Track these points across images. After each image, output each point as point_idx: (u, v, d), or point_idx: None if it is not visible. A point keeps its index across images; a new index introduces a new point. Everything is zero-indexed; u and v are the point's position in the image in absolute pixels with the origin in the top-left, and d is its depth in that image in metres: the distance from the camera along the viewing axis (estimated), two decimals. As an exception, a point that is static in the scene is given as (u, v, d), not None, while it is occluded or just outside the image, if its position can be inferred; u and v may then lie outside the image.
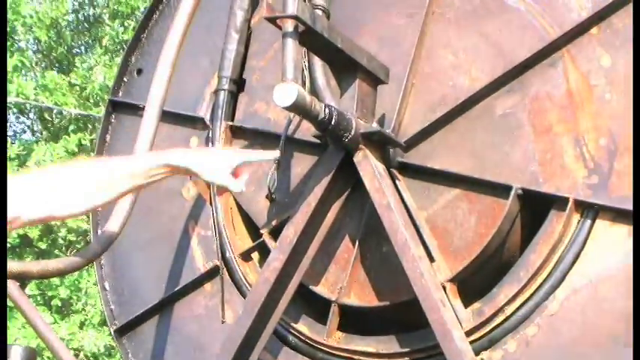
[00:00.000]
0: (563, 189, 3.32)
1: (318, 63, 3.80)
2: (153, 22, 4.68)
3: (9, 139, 16.23)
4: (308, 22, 3.30)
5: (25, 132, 18.22)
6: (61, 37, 17.32)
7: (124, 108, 4.67)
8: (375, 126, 3.58)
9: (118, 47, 16.74)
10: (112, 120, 4.73)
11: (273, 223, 3.95)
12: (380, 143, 3.60)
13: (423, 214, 3.61)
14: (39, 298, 14.48)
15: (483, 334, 3.40)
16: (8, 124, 17.22)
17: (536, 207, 3.44)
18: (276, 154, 3.56)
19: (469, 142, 3.54)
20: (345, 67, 3.57)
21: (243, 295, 3.99)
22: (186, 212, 4.26)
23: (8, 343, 2.93)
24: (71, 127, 16.38)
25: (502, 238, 3.48)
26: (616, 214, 3.25)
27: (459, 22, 3.66)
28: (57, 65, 17.47)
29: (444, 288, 3.46)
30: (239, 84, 4.23)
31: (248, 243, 4.09)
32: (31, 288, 14.08)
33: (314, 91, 3.74)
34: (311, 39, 3.39)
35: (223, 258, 4.08)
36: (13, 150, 15.10)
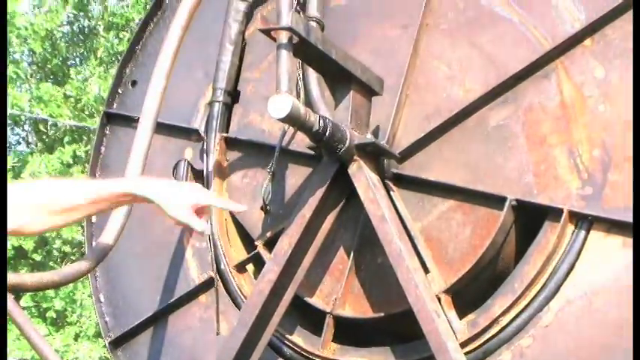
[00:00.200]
0: (557, 200, 3.33)
1: (312, 74, 3.81)
2: (147, 34, 4.69)
3: (4, 151, 16.17)
4: (302, 34, 3.31)
5: (19, 143, 18.22)
6: (56, 49, 17.32)
7: (118, 120, 4.68)
8: (369, 137, 3.59)
9: (113, 59, 16.74)
10: (107, 132, 4.73)
11: (268, 234, 3.95)
12: (374, 154, 3.60)
13: (417, 225, 3.61)
14: (34, 310, 14.44)
15: (478, 346, 3.40)
16: (3, 136, 17.15)
17: (530, 218, 3.44)
18: (243, 207, 3.54)
19: (463, 154, 3.55)
20: (339, 78, 3.58)
21: (238, 306, 3.99)
22: (181, 224, 4.25)
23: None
24: (66, 139, 16.37)
25: (496, 250, 3.48)
26: (610, 225, 3.25)
27: (452, 33, 3.67)
28: (52, 77, 17.46)
29: (439, 299, 3.46)
30: (233, 95, 4.24)
31: (243, 254, 4.09)
32: (26, 300, 14.05)
33: (308, 103, 3.74)
34: (305, 50, 3.40)
35: (218, 270, 4.08)
36: (7, 161, 15.08)
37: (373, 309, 3.68)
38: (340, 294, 3.74)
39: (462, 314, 3.46)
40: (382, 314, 3.66)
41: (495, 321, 3.37)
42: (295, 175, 3.92)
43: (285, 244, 3.60)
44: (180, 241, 4.27)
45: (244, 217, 4.06)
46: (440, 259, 3.55)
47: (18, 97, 15.35)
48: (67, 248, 15.52)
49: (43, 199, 2.99)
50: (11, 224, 2.87)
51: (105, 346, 4.51)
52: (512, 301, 3.34)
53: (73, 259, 15.14)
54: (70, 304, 14.43)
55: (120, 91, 4.71)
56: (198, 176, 4.26)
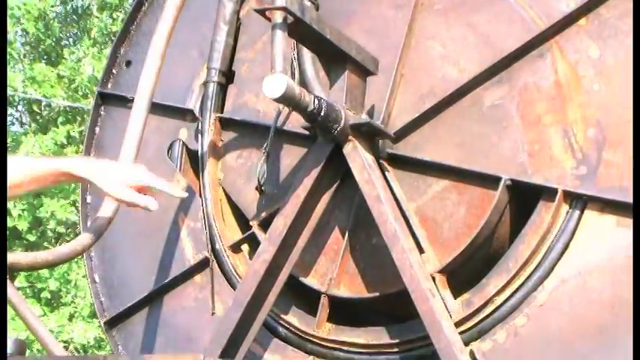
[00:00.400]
0: (552, 180, 3.33)
1: (307, 54, 3.80)
2: (141, 13, 4.67)
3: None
4: (297, 14, 3.30)
5: (13, 124, 18.18)
6: (49, 29, 17.24)
7: (112, 100, 4.66)
8: (364, 117, 3.58)
9: (107, 39, 16.69)
10: (101, 112, 4.71)
11: (263, 214, 3.95)
12: (369, 134, 3.60)
13: (412, 205, 3.61)
14: (28, 290, 14.45)
15: (473, 325, 3.40)
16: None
17: (524, 198, 3.45)
18: (184, 194, 3.65)
19: (458, 134, 3.55)
20: (334, 58, 3.57)
21: (233, 286, 3.99)
22: (176, 204, 4.25)
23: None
24: (60, 119, 16.33)
25: (491, 229, 3.49)
26: (604, 205, 3.25)
27: (447, 13, 3.66)
28: (45, 57, 17.40)
29: (434, 279, 3.46)
30: (228, 76, 4.23)
31: (238, 235, 4.09)
32: (20, 280, 14.05)
33: (303, 83, 3.74)
34: (300, 30, 3.39)
35: (213, 250, 4.08)
36: (1, 142, 15.03)
37: (368, 289, 3.69)
38: (335, 274, 3.74)
39: (456, 294, 3.47)
40: (377, 294, 3.66)
41: (490, 300, 3.37)
42: (290, 156, 3.92)
43: (280, 224, 3.61)
44: (176, 221, 4.27)
45: (239, 197, 4.06)
46: (435, 239, 3.56)
47: (11, 77, 15.29)
48: (61, 229, 15.52)
49: None
50: None
51: (100, 326, 4.51)
52: (506, 280, 3.35)
53: (68, 239, 15.13)
54: (64, 285, 14.44)
55: (114, 71, 4.69)
56: (193, 156, 4.27)
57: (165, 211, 4.27)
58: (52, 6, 17.13)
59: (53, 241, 15.54)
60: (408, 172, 3.64)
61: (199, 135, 4.19)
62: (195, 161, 4.25)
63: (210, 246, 4.08)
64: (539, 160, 3.37)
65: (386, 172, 3.63)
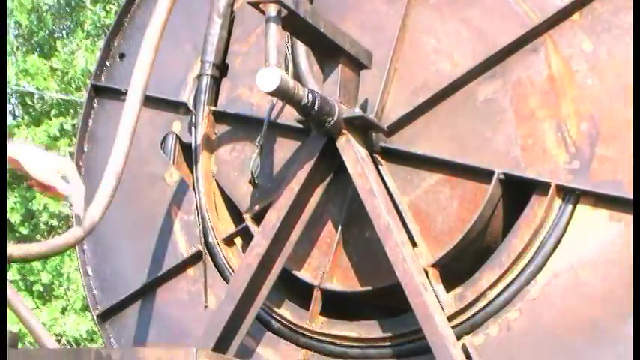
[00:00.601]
0: (545, 174, 3.34)
1: (301, 48, 3.80)
2: (135, 6, 4.65)
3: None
4: (291, 7, 3.30)
5: (6, 116, 18.13)
6: (43, 21, 17.20)
7: (106, 92, 4.65)
8: (357, 111, 3.58)
9: (100, 31, 16.62)
10: (95, 104, 4.70)
11: (256, 208, 3.95)
12: (363, 128, 3.60)
13: (405, 199, 3.62)
14: (20, 283, 14.43)
15: (465, 319, 3.41)
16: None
17: (517, 192, 3.45)
18: (81, 209, 3.61)
19: (451, 128, 3.55)
20: (327, 51, 3.57)
21: (226, 279, 3.99)
22: (169, 197, 4.25)
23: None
24: (53, 112, 16.28)
25: (484, 223, 3.50)
26: (597, 199, 3.27)
27: (441, 7, 3.66)
28: (38, 49, 17.35)
29: (426, 273, 3.47)
30: (222, 69, 4.22)
31: (231, 228, 4.09)
32: (13, 273, 14.03)
33: (297, 76, 3.74)
34: (294, 23, 3.39)
35: (206, 243, 4.08)
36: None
37: (361, 282, 3.70)
38: (328, 267, 3.75)
39: (449, 287, 3.47)
40: (370, 287, 3.67)
41: (483, 294, 3.38)
42: (284, 149, 3.92)
43: (273, 217, 3.61)
44: (168, 214, 4.26)
45: (232, 190, 4.05)
46: (428, 233, 3.56)
47: (4, 69, 15.26)
48: (54, 221, 15.49)
49: None
50: None
51: (92, 319, 4.50)
52: (499, 274, 3.36)
53: (60, 232, 15.10)
54: (57, 278, 14.42)
55: (108, 63, 4.68)
56: (187, 149, 4.26)
57: (159, 204, 4.27)
58: (46, -2, 17.10)
59: (46, 233, 15.50)
60: (401, 165, 3.65)
61: (193, 128, 4.18)
62: (188, 154, 4.24)
63: (203, 239, 4.08)
64: (532, 154, 3.37)
65: (379, 166, 3.63)
